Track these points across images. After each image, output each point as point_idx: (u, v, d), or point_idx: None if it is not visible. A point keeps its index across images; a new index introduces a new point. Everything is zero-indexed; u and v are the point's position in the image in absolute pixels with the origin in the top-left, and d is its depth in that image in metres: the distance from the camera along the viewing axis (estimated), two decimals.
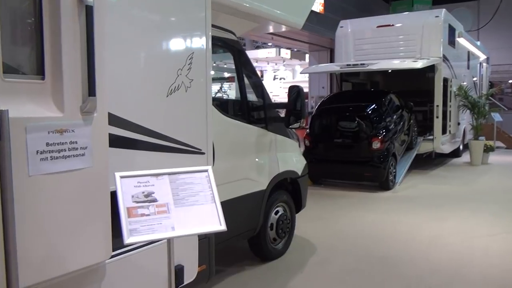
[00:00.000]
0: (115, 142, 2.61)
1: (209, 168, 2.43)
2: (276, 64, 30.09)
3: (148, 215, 2.14)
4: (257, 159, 4.41)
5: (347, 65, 10.02)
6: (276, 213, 4.81)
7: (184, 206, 2.24)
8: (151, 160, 2.85)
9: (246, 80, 4.47)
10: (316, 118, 9.29)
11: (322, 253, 5.12)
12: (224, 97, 5.83)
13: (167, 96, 2.96)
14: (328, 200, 7.97)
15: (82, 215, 2.28)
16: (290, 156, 5.05)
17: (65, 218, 2.22)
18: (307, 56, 22.01)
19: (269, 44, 25.08)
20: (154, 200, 2.19)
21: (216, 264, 4.65)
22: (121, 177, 2.18)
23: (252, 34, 13.26)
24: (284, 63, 28.95)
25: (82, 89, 2.27)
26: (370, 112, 8.91)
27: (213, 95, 3.88)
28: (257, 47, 28.12)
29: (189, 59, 3.13)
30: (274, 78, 30.98)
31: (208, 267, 3.49)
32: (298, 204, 5.21)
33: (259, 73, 29.10)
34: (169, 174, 2.30)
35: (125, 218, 2.08)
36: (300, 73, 18.64)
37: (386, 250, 5.15)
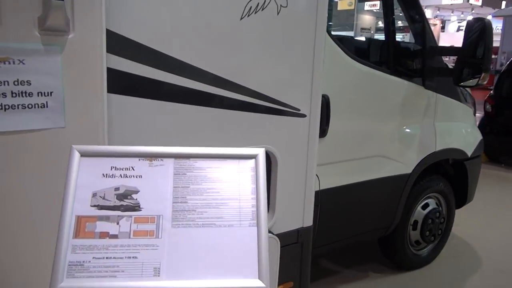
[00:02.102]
0: (139, 89, 1.58)
1: (260, 152, 1.22)
2: (462, 13, 25.98)
3: (114, 236, 1.08)
4: (402, 129, 2.99)
5: None
6: (425, 207, 3.36)
7: (192, 226, 1.11)
8: (201, 124, 1.76)
9: (397, 12, 2.99)
10: (506, 77, 7.05)
11: (493, 275, 3.51)
12: (357, 34, 4.31)
13: (241, 18, 1.79)
14: (510, 187, 5.96)
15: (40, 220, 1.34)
16: (457, 128, 3.46)
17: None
18: (503, 3, 18.16)
19: None
20: (134, 207, 1.11)
21: (329, 261, 3.52)
22: (82, 154, 1.14)
23: None
24: (473, 11, 24.76)
25: None
26: None
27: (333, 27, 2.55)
28: None
29: None
30: (458, 30, 26.88)
31: (298, 284, 2.34)
32: (461, 196, 3.64)
33: (439, 23, 25.42)
34: (176, 156, 1.17)
35: (67, 238, 1.06)
36: (492, 16, 15.19)
37: None
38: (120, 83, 1.50)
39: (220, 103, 1.79)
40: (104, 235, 1.08)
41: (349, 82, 2.63)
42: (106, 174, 1.13)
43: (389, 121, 2.90)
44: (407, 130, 3.01)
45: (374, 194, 2.91)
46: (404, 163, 3.01)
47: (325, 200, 2.58)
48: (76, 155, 1.13)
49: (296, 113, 2.06)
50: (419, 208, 3.32)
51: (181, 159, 1.17)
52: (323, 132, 2.36)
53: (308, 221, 2.25)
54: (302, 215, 2.22)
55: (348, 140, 2.68)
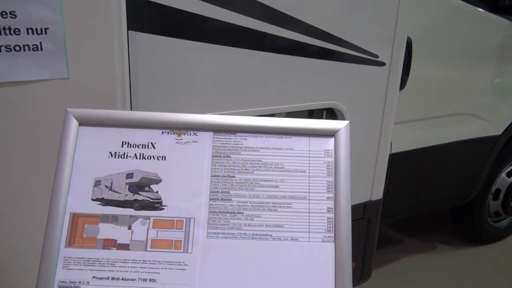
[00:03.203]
0: (174, 27, 1.19)
1: (343, 127, 0.81)
2: None
3: (125, 246, 0.74)
4: (495, 80, 2.44)
5: None
6: (510, 174, 2.86)
7: (237, 237, 0.74)
8: (251, 73, 1.36)
9: None
10: None
11: None
12: None
13: None
14: None
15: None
16: None
17: None
18: None
19: None
20: (154, 205, 0.76)
21: (389, 228, 3.15)
22: (81, 122, 0.78)
23: None
24: None
25: None
26: None
27: None
28: None
29: None
30: None
31: (361, 265, 1.99)
32: None
33: None
34: (216, 129, 0.79)
35: (57, 246, 0.73)
36: None
37: None
38: (146, 17, 1.11)
39: (274, 45, 1.37)
40: (109, 243, 0.74)
41: (436, 20, 2.10)
42: (115, 153, 0.78)
43: (481, 70, 2.36)
44: (502, 81, 2.46)
45: (455, 158, 2.44)
46: (493, 123, 2.50)
47: (397, 165, 2.16)
48: (73, 123, 0.78)
49: (373, 61, 1.61)
50: (503, 175, 2.82)
51: (224, 133, 0.79)
52: (401, 84, 1.90)
53: (378, 194, 1.86)
54: (371, 187, 1.83)
55: (430, 94, 2.20)
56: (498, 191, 2.83)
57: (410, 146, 2.23)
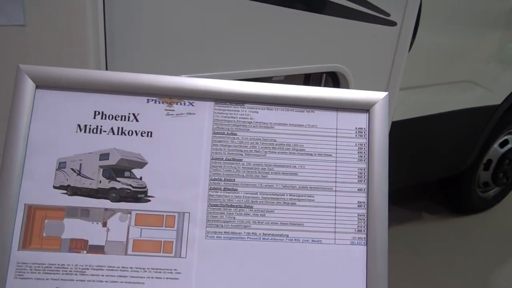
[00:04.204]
0: None
1: (381, 100, 0.64)
2: None
3: (98, 248, 0.57)
4: (503, 46, 2.30)
5: None
6: (503, 144, 2.77)
7: (245, 238, 0.58)
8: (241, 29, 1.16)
9: None
10: None
11: None
12: None
13: None
14: None
15: None
16: None
17: None
18: None
19: None
20: (137, 195, 0.59)
21: None
22: (38, 83, 0.59)
23: None
24: None
25: None
26: None
27: None
28: None
29: None
30: None
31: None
32: None
33: None
34: (217, 97, 0.61)
35: (7, 248, 0.55)
36: None
37: None
38: None
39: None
40: (78, 245, 0.57)
41: None
42: (86, 127, 0.59)
43: (489, 34, 2.20)
44: (507, 49, 2.31)
45: (451, 128, 2.32)
46: (494, 91, 2.37)
47: (393, 135, 2.02)
48: (28, 84, 0.58)
49: (383, 20, 1.43)
50: (496, 145, 2.73)
51: (229, 103, 0.61)
52: None
53: None
54: None
55: (434, 59, 2.03)
56: (489, 161, 2.75)
57: (410, 114, 2.10)
